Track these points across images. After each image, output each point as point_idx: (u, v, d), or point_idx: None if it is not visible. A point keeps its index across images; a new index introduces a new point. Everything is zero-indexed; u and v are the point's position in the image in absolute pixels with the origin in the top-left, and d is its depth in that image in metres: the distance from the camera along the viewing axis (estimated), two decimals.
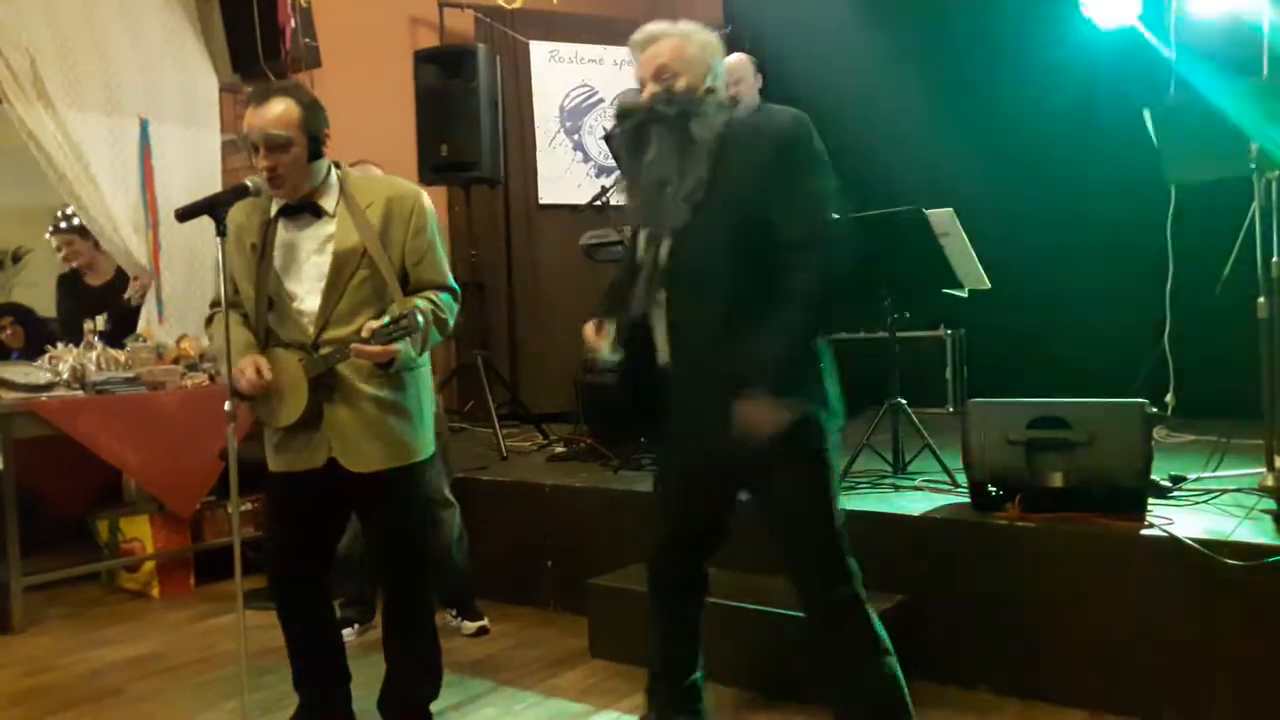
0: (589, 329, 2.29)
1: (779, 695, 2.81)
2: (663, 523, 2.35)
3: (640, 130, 2.13)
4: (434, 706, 2.62)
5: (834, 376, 2.18)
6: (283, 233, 2.40)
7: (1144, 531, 2.64)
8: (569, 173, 6.09)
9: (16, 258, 5.97)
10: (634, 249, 2.25)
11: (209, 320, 2.56)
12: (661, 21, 2.21)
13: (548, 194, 6.03)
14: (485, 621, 3.50)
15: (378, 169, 3.38)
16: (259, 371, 2.33)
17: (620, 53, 6.16)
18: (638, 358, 2.23)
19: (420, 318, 2.28)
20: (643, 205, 2.15)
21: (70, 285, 4.76)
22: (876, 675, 2.15)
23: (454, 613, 3.48)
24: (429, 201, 2.50)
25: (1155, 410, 2.82)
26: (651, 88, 2.13)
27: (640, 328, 2.22)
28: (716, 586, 2.45)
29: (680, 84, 2.11)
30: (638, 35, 2.19)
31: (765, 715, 2.74)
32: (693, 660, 2.42)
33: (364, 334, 2.25)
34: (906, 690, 2.17)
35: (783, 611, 2.81)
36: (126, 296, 4.71)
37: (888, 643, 2.17)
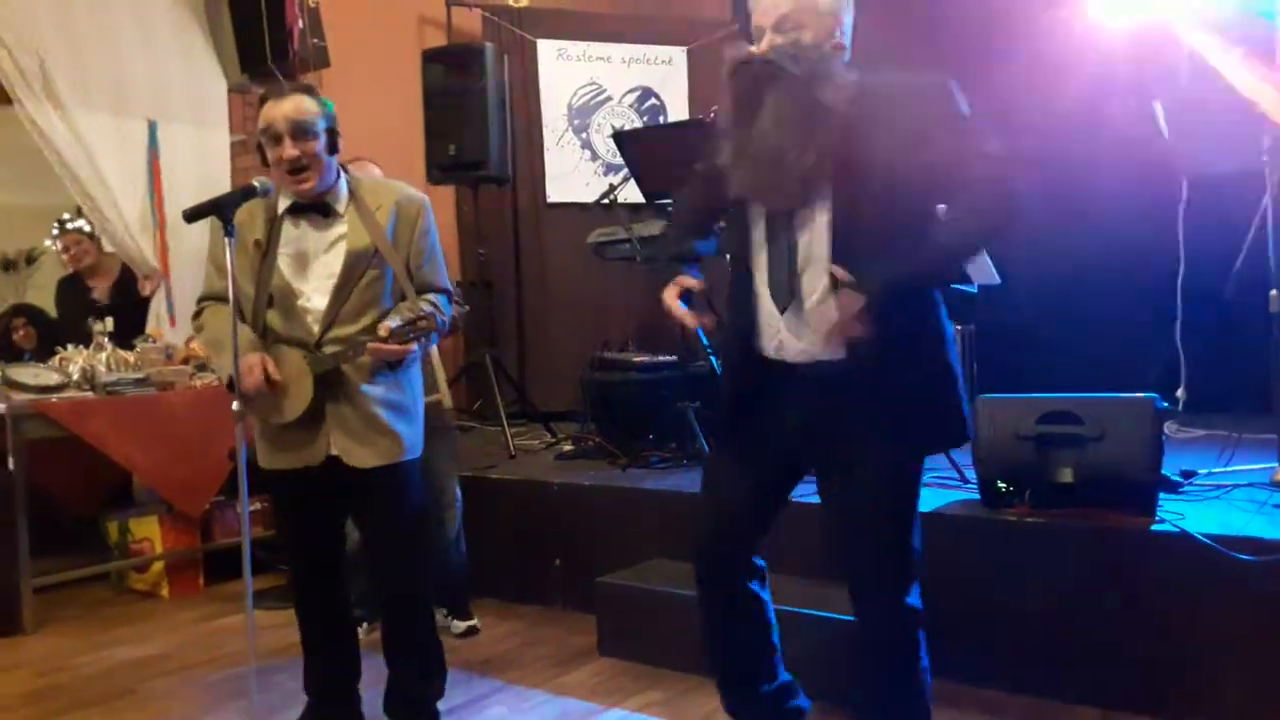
0: (668, 294, 2.04)
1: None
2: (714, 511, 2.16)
3: (755, 87, 1.86)
4: (442, 705, 2.62)
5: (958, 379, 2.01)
6: (289, 230, 2.41)
7: (1155, 527, 2.61)
8: (577, 171, 6.09)
9: (30, 259, 6.01)
10: (740, 224, 2.00)
11: (196, 314, 2.56)
12: None
13: (556, 192, 6.03)
14: (475, 621, 3.49)
15: (376, 168, 3.38)
16: (265, 370, 2.33)
17: (629, 50, 6.16)
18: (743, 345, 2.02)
19: (438, 319, 2.33)
20: (754, 176, 1.88)
21: (71, 289, 4.78)
22: (916, 694, 2.07)
23: (445, 612, 3.48)
24: (431, 207, 2.54)
25: (1166, 405, 2.79)
26: (771, 38, 1.87)
27: (742, 312, 2.00)
28: None
29: (806, 37, 1.85)
30: None
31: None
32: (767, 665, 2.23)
33: (381, 332, 2.27)
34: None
35: (784, 607, 2.81)
36: (142, 291, 4.73)
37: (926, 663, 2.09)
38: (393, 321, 2.29)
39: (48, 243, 4.79)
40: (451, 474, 3.46)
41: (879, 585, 2.03)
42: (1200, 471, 3.11)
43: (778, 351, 1.98)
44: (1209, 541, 2.46)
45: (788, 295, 1.93)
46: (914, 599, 2.04)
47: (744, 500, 2.10)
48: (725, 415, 2.13)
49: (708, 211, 2.12)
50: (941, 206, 1.99)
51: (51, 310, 4.91)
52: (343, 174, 2.46)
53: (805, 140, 1.82)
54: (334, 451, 2.40)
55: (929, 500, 3.05)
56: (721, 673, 2.27)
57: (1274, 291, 3.01)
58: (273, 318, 2.42)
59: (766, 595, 2.23)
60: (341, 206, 2.42)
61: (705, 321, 2.06)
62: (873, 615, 2.05)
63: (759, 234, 1.97)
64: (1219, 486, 2.98)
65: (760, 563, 2.21)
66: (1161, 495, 2.79)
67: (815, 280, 1.91)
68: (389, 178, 2.79)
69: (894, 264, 1.84)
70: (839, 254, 1.87)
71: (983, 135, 1.89)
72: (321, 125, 2.35)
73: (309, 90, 2.41)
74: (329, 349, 2.36)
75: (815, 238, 1.90)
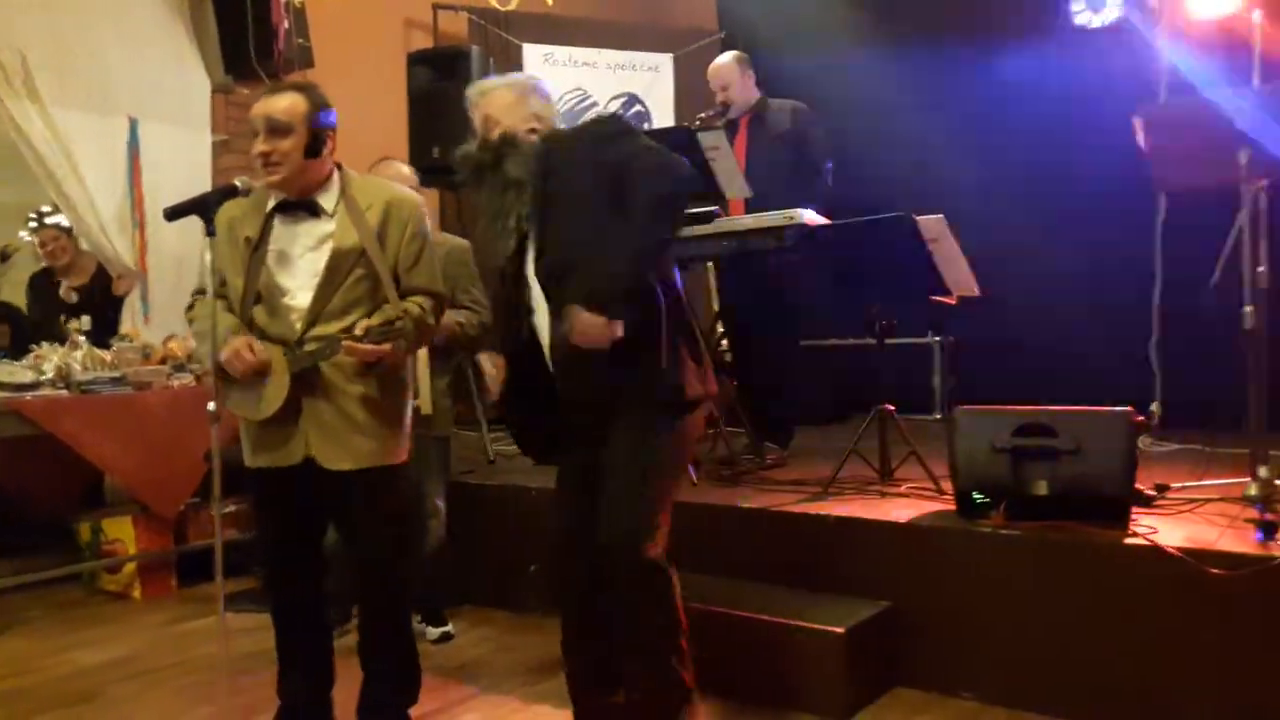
0: (486, 363, 2.64)
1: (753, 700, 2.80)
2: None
3: (475, 174, 2.37)
4: (414, 711, 2.61)
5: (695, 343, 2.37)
6: (279, 228, 2.41)
7: (1128, 540, 2.63)
8: None
9: (4, 256, 5.94)
10: (506, 282, 2.43)
11: (189, 308, 2.56)
12: (494, 76, 2.53)
13: None
14: (449, 628, 3.47)
15: (404, 166, 3.40)
16: (251, 349, 2.32)
17: (615, 56, 6.17)
18: (528, 376, 2.41)
19: (412, 322, 2.30)
20: (486, 242, 2.41)
21: (42, 286, 4.74)
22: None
23: (419, 618, 3.46)
24: (424, 209, 2.53)
25: (1140, 419, 2.81)
26: (484, 137, 2.37)
27: (521, 351, 2.41)
28: (693, 590, 2.43)
29: (496, 132, 2.35)
30: (470, 91, 2.47)
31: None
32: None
33: (358, 331, 2.26)
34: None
35: (762, 617, 2.81)
36: (116, 291, 4.69)
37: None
38: (370, 321, 2.28)
39: (23, 234, 4.74)
40: (433, 483, 3.43)
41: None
42: (1173, 485, 3.13)
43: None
44: (1181, 555, 2.48)
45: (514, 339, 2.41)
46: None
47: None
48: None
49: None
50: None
51: (24, 307, 4.85)
52: (336, 173, 2.45)
53: (507, 208, 2.31)
54: (310, 452, 2.38)
55: (904, 511, 3.07)
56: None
57: (1248, 307, 3.03)
58: (259, 314, 2.41)
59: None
60: (331, 205, 2.41)
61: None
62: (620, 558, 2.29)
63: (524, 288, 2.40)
64: (1192, 501, 3.00)
65: None
66: (1135, 509, 2.81)
67: (543, 318, 2.33)
68: (381, 179, 2.79)
69: (611, 276, 2.18)
70: (547, 283, 2.30)
71: (645, 141, 2.29)
72: (301, 126, 2.33)
73: (305, 89, 2.40)
74: (309, 347, 2.35)
75: (535, 280, 2.34)
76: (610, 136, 2.30)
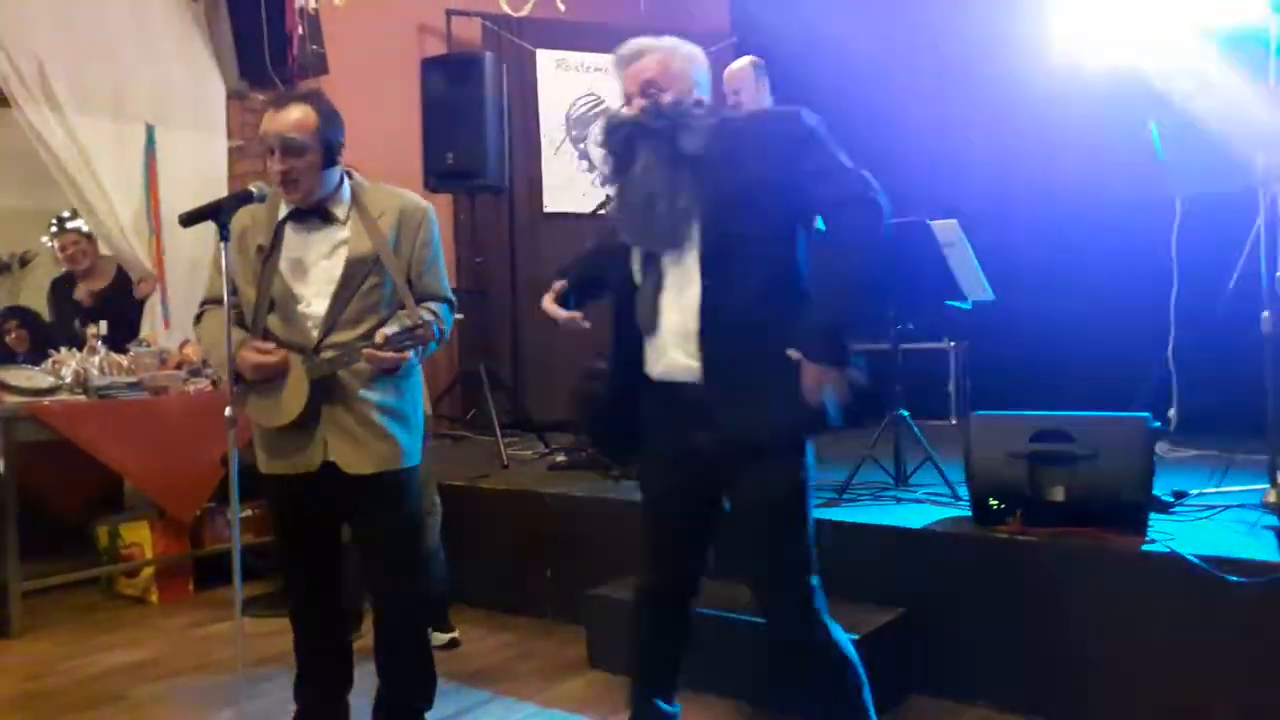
0: (547, 300, 2.36)
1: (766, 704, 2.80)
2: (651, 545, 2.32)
3: (627, 144, 2.11)
4: (431, 716, 2.61)
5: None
6: (291, 236, 2.41)
7: (1145, 547, 2.62)
8: (574, 181, 6.10)
9: (24, 261, 6.00)
10: (627, 264, 2.21)
11: (198, 318, 2.57)
12: (645, 36, 2.23)
13: (553, 202, 6.04)
14: (456, 634, 3.47)
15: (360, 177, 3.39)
16: (260, 351, 2.34)
17: None
18: (628, 374, 2.25)
19: (434, 328, 2.32)
20: (631, 221, 2.12)
21: (63, 291, 4.78)
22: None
23: None
24: (435, 216, 2.54)
25: (1158, 425, 2.80)
26: (639, 102, 2.12)
27: (626, 343, 2.23)
28: (705, 596, 2.43)
29: (666, 98, 2.11)
30: (622, 50, 2.21)
31: None
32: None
33: (378, 339, 2.27)
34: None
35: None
36: (137, 294, 4.73)
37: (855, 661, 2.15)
38: (389, 329, 2.30)
39: (44, 240, 4.78)
40: (430, 478, 3.44)
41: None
42: (1191, 492, 3.11)
43: (662, 376, 2.18)
44: (1199, 562, 2.47)
45: (650, 325, 2.15)
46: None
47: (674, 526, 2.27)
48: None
49: (607, 254, 2.30)
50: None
51: (45, 312, 4.89)
52: (346, 180, 2.46)
53: (671, 188, 2.05)
54: (330, 457, 2.39)
55: (920, 517, 3.06)
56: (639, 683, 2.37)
57: (1266, 313, 3.03)
58: (273, 322, 2.42)
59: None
60: (343, 213, 2.42)
61: (576, 317, 2.35)
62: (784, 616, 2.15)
63: (647, 275, 2.17)
64: (1210, 507, 2.98)
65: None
66: (1152, 515, 2.80)
67: (682, 310, 2.10)
68: (390, 186, 2.79)
69: (827, 322, 2.01)
70: (708, 282, 2.07)
71: (835, 150, 2.08)
72: (315, 141, 2.33)
73: (312, 99, 2.39)
74: (327, 354, 2.37)
75: (686, 271, 2.10)
76: (801, 140, 2.06)
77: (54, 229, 4.72)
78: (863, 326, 2.07)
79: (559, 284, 2.35)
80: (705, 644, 2.41)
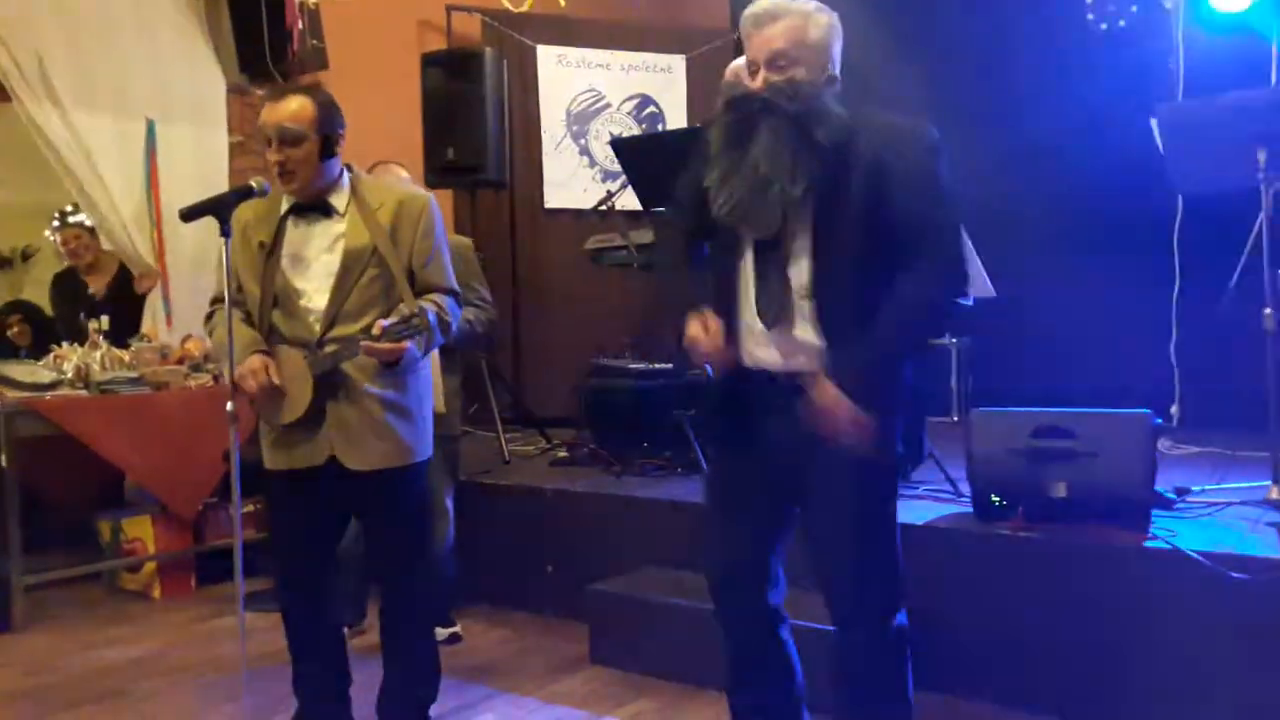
0: (697, 327, 2.00)
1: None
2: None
3: (749, 121, 1.92)
4: (433, 711, 2.62)
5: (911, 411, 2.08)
6: (292, 230, 2.41)
7: (1147, 543, 2.62)
8: (575, 177, 6.09)
9: (26, 256, 6.00)
10: (725, 246, 2.05)
11: (208, 317, 2.57)
12: None
13: (554, 198, 6.03)
14: (458, 628, 3.47)
15: (402, 169, 3.40)
16: (267, 372, 2.34)
17: (628, 57, 6.17)
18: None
19: (430, 317, 2.31)
20: (740, 200, 1.93)
21: (66, 285, 4.77)
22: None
23: None
24: (437, 207, 2.52)
25: (1160, 421, 2.80)
26: (766, 74, 1.92)
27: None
28: (704, 592, 2.38)
29: (800, 73, 1.91)
30: (753, 9, 1.95)
31: None
32: None
33: (375, 331, 2.27)
34: None
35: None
36: (138, 290, 4.73)
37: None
38: (386, 320, 2.29)
39: (47, 233, 4.78)
40: (441, 483, 3.44)
41: (862, 605, 2.04)
42: (1194, 489, 3.11)
43: (757, 364, 2.04)
44: (1201, 559, 2.47)
45: (777, 313, 1.98)
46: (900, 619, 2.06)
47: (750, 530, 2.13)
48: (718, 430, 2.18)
49: (696, 229, 2.14)
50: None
51: (47, 307, 4.89)
52: (346, 173, 2.46)
53: (794, 173, 1.89)
54: (334, 453, 2.39)
55: (921, 513, 3.06)
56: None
57: (1268, 310, 3.02)
58: (277, 318, 2.42)
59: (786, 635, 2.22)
60: (342, 205, 2.42)
61: (729, 358, 2.03)
62: (860, 636, 2.05)
63: (745, 258, 2.03)
64: (1212, 504, 2.98)
65: (775, 601, 2.18)
66: (1155, 512, 2.80)
67: (793, 304, 1.98)
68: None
69: (859, 356, 1.92)
70: (818, 283, 1.95)
71: (948, 200, 1.95)
72: (312, 131, 2.34)
73: (310, 91, 2.40)
74: (329, 349, 2.37)
75: (796, 266, 1.98)
76: (928, 167, 1.94)
77: (56, 224, 4.72)
78: (883, 388, 1.94)
79: (711, 321, 2.01)
80: (715, 645, 2.39)
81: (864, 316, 1.93)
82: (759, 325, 2.00)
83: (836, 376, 1.90)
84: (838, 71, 1.99)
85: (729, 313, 2.03)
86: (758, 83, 1.94)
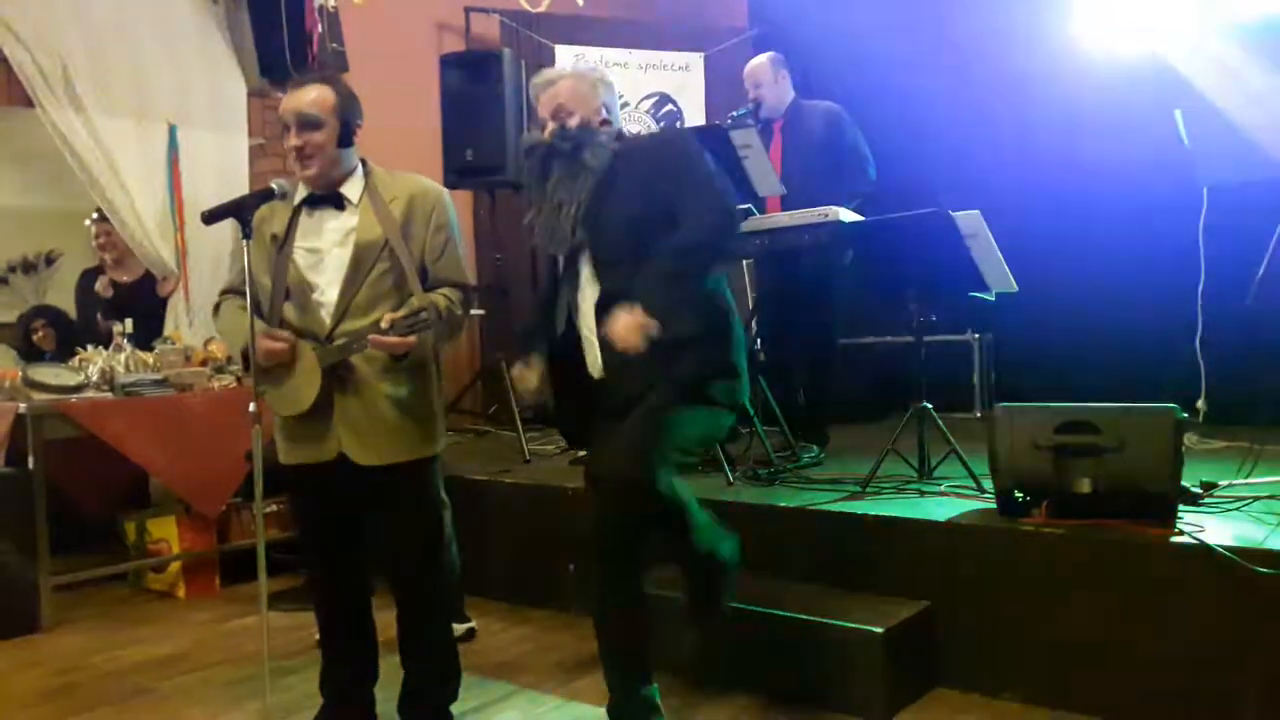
0: (518, 370, 2.52)
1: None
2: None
3: (545, 162, 2.42)
4: (454, 709, 2.63)
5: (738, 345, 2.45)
6: (306, 223, 2.43)
7: (1174, 539, 2.59)
8: None
9: (50, 260, 6.05)
10: (554, 272, 2.54)
11: (216, 307, 2.59)
12: (557, 66, 2.52)
13: None
14: (473, 624, 3.47)
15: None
16: (274, 338, 2.35)
17: (646, 56, 6.17)
18: (567, 379, 2.49)
19: (439, 312, 2.31)
20: (545, 228, 2.42)
21: (90, 285, 4.82)
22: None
23: None
24: (450, 200, 2.52)
25: (1186, 416, 2.77)
26: (552, 126, 2.43)
27: (564, 349, 2.48)
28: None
29: (574, 120, 2.41)
30: (537, 79, 2.51)
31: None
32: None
33: (383, 324, 2.27)
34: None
35: (800, 617, 2.80)
36: (161, 292, 4.78)
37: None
38: (395, 314, 2.30)
39: (86, 222, 4.82)
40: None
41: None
42: (1220, 484, 3.08)
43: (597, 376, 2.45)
44: (1229, 554, 2.44)
45: (564, 321, 2.47)
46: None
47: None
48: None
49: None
50: None
51: (72, 311, 4.94)
52: (360, 166, 2.47)
53: (571, 196, 2.38)
54: (343, 449, 2.40)
55: (944, 510, 3.04)
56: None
57: None
58: (289, 310, 2.43)
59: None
60: (355, 197, 2.43)
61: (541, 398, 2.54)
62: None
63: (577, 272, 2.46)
64: (1239, 499, 2.95)
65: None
66: (1181, 507, 2.77)
67: (589, 309, 2.41)
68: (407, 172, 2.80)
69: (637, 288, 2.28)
70: (602, 284, 2.38)
71: (711, 175, 2.38)
72: (331, 118, 2.36)
73: (330, 80, 2.42)
74: (338, 342, 2.38)
75: (586, 274, 2.43)
76: (673, 158, 2.39)
77: (96, 216, 4.77)
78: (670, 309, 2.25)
79: (527, 361, 2.53)
80: (743, 642, 2.42)
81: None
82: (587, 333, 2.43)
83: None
84: (615, 116, 2.50)
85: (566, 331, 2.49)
86: (547, 133, 2.44)
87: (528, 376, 2.50)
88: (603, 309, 2.33)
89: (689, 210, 2.31)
